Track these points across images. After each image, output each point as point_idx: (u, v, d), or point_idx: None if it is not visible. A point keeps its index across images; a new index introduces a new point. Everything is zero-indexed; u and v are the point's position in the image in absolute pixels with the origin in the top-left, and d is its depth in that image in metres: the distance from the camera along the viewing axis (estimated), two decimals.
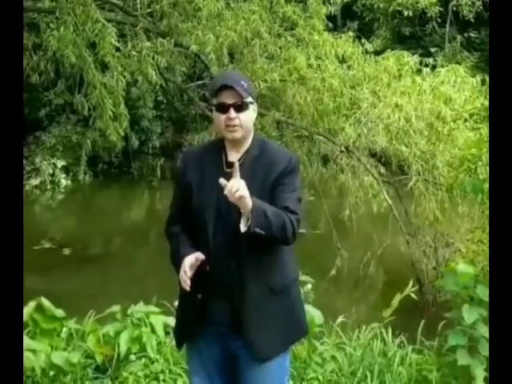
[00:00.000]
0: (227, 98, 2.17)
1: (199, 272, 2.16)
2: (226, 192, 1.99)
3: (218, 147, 2.30)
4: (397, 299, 3.64)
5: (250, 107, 2.22)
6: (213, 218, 2.19)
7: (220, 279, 2.18)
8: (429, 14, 15.93)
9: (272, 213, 2.10)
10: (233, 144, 2.26)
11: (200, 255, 2.16)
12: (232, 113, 2.17)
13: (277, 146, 2.53)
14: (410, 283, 3.79)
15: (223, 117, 2.19)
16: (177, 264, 2.19)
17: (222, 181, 2.02)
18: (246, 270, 2.17)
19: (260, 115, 7.33)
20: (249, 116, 2.23)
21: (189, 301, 2.25)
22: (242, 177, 2.13)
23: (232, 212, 2.13)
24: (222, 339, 2.27)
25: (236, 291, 2.17)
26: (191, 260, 2.14)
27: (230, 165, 2.23)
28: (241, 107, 2.19)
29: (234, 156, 2.26)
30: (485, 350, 3.11)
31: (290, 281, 2.30)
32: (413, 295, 3.73)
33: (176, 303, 2.54)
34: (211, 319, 2.23)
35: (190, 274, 2.12)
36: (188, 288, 2.12)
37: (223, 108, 2.19)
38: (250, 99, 2.22)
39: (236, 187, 1.98)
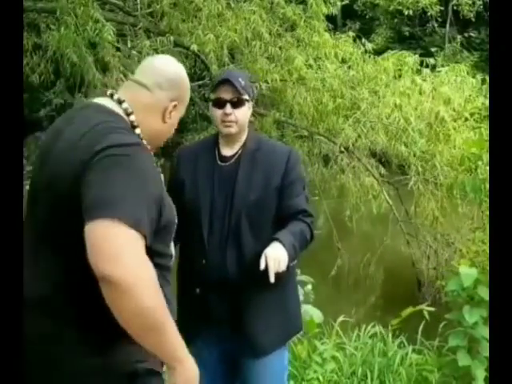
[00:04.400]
0: (225, 94, 2.22)
1: (196, 269, 2.17)
2: (270, 268, 1.99)
3: (212, 143, 2.34)
4: (407, 311, 3.61)
5: (245, 104, 2.26)
6: (207, 213, 2.21)
7: (216, 274, 2.18)
8: (429, 14, 15.95)
9: (299, 240, 2.18)
10: (227, 139, 2.30)
11: None
12: (228, 108, 2.21)
13: (272, 140, 2.56)
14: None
15: (219, 112, 2.23)
16: None
17: (262, 263, 2.00)
18: (242, 263, 2.17)
19: (260, 115, 7.34)
20: (244, 112, 2.26)
21: (186, 298, 2.24)
22: (242, 170, 2.17)
23: (226, 205, 2.18)
24: (220, 337, 2.27)
25: (233, 286, 2.18)
26: None
27: (224, 158, 2.27)
28: (237, 103, 2.22)
29: (227, 151, 2.30)
30: (485, 350, 3.10)
31: (287, 274, 2.28)
32: (428, 309, 3.68)
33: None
34: (209, 317, 2.23)
35: None
36: None
37: (220, 103, 2.23)
38: (246, 96, 2.25)
39: (279, 260, 2.02)
